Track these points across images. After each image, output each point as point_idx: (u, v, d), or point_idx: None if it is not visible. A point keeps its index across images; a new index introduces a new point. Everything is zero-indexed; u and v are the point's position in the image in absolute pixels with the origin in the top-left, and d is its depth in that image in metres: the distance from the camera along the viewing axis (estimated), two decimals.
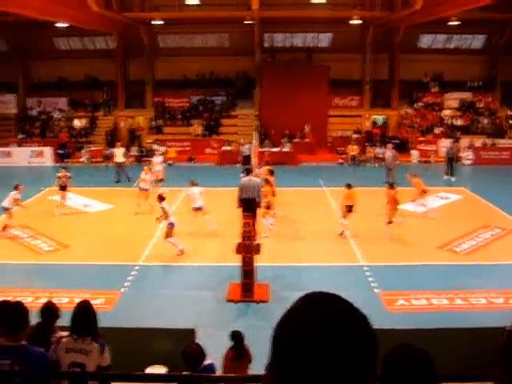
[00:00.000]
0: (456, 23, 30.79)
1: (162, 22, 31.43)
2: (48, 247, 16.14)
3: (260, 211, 16.18)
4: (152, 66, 35.67)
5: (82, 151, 31.97)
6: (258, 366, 6.13)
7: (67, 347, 4.94)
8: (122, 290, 12.89)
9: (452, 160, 26.26)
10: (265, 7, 28.94)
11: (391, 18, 30.35)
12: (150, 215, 17.75)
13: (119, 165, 25.63)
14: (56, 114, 35.22)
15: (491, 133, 32.92)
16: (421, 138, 32.69)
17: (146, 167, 21.16)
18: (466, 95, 35.23)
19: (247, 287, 12.19)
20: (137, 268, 14.28)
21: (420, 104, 35.25)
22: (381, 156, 28.56)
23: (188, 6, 28.84)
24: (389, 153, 24.79)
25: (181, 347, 6.00)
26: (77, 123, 33.30)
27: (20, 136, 33.71)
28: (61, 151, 31.84)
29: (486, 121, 33.79)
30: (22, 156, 31.42)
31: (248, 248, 12.25)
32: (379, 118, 36.01)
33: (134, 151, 31.64)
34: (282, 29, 34.70)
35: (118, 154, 25.83)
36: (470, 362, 7.15)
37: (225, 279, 13.21)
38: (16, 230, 17.26)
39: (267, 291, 12.53)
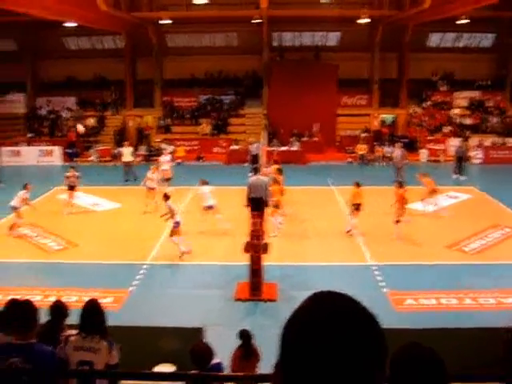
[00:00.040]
0: (465, 22, 30.63)
1: (170, 22, 31.46)
2: (57, 246, 16.21)
3: (268, 210, 16.19)
4: (160, 65, 35.74)
5: (91, 150, 32.08)
6: (267, 365, 6.13)
7: (75, 345, 4.96)
8: (131, 288, 12.93)
9: (461, 159, 26.16)
10: (273, 6, 28.90)
11: (400, 16, 30.25)
12: (155, 214, 17.81)
13: (127, 164, 25.70)
14: (65, 114, 35.36)
15: (501, 132, 32.73)
16: (429, 137, 32.54)
17: (152, 166, 21.22)
18: (475, 94, 35.08)
19: (255, 286, 12.19)
20: (145, 267, 14.31)
21: (429, 103, 35.11)
22: (389, 155, 28.49)
23: (196, 5, 28.81)
24: (397, 152, 24.71)
25: (189, 346, 6.00)
26: (80, 128, 33.16)
27: (29, 135, 33.85)
28: (69, 150, 31.96)
29: (495, 120, 33.61)
30: (31, 155, 31.58)
31: (256, 247, 12.25)
32: (388, 117, 35.91)
33: (143, 150, 31.72)
34: (291, 28, 34.66)
35: (126, 153, 25.90)
36: (479, 361, 7.13)
37: (233, 278, 13.22)
38: (25, 229, 17.34)
39: (275, 290, 12.53)
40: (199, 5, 28.50)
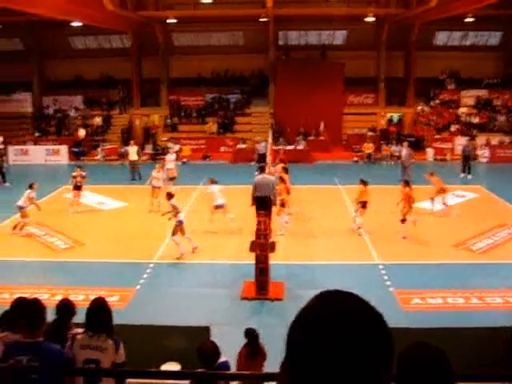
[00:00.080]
0: (472, 20, 30.52)
1: (176, 21, 31.49)
2: (64, 245, 16.24)
3: (275, 209, 16.19)
4: (167, 64, 35.80)
5: (98, 149, 32.16)
6: (273, 364, 6.13)
7: (82, 344, 4.97)
8: (137, 287, 12.95)
9: (468, 158, 26.07)
10: (279, 5, 28.90)
11: (406, 15, 30.17)
12: (157, 213, 17.84)
13: (132, 163, 25.76)
14: (72, 113, 35.47)
15: (508, 130, 32.59)
16: (437, 136, 32.45)
17: (157, 165, 21.23)
18: (483, 92, 34.95)
19: (262, 285, 12.18)
20: (151, 266, 14.33)
21: (436, 101, 35.01)
22: (397, 154, 28.44)
23: (202, 4, 28.86)
24: (405, 151, 24.67)
25: (196, 345, 6.01)
26: (81, 132, 33.14)
27: (36, 134, 34.00)
28: (76, 149, 32.05)
29: (502, 118, 33.46)
30: (38, 154, 31.72)
31: (263, 246, 12.25)
32: (395, 115, 35.85)
33: (149, 149, 31.78)
34: (297, 26, 34.61)
35: (132, 152, 25.94)
36: (485, 361, 7.10)
37: (239, 277, 13.21)
38: (33, 228, 17.40)
39: (282, 289, 12.51)
40: (205, 4, 28.54)
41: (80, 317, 5.58)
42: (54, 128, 34.70)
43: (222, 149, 32.80)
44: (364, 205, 16.59)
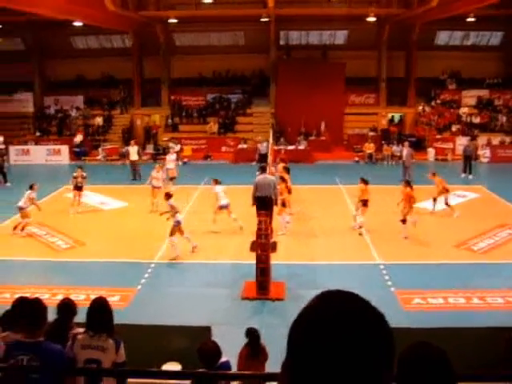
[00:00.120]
0: (473, 20, 30.49)
1: (177, 21, 31.49)
2: (65, 245, 16.25)
3: (276, 209, 16.19)
4: (168, 64, 35.80)
5: (99, 149, 32.17)
6: (274, 364, 6.13)
7: (83, 344, 4.97)
8: (138, 287, 12.95)
9: (469, 158, 26.06)
10: (280, 5, 28.90)
11: (407, 15, 30.15)
12: (156, 213, 17.85)
13: (133, 163, 25.76)
14: (73, 113, 35.48)
15: (509, 130, 32.56)
16: (438, 136, 32.42)
17: (157, 165, 21.22)
18: (484, 92, 34.91)
19: (263, 285, 12.17)
20: (152, 266, 14.32)
21: (437, 101, 34.99)
22: (398, 154, 28.43)
23: (203, 3, 28.87)
24: (406, 151, 24.67)
25: (197, 345, 6.00)
26: (78, 138, 32.90)
27: (37, 134, 34.02)
28: (77, 149, 32.06)
29: (504, 118, 33.44)
30: (39, 154, 31.72)
31: (264, 246, 12.24)
32: (396, 115, 35.84)
33: (150, 149, 31.78)
34: (298, 26, 34.59)
35: (132, 152, 25.95)
36: (486, 361, 7.10)
37: (240, 277, 13.19)
38: (34, 228, 17.40)
39: (283, 289, 12.51)
40: (206, 4, 28.56)
41: (81, 316, 5.58)
42: (55, 128, 34.71)
43: (223, 149, 32.79)
44: (365, 203, 16.60)
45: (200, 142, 33.08)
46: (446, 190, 18.71)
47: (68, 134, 34.03)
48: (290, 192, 17.78)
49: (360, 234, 16.59)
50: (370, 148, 30.49)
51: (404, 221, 16.20)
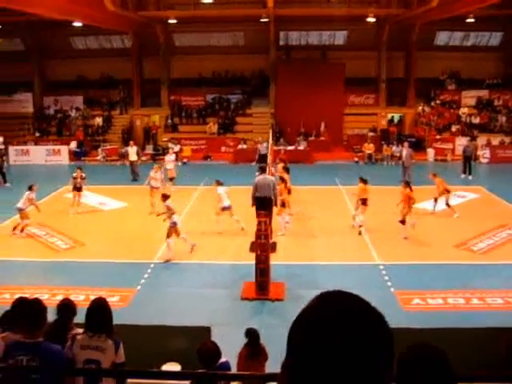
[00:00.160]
0: (473, 20, 30.49)
1: (176, 21, 31.48)
2: (64, 245, 16.24)
3: (275, 209, 16.18)
4: (168, 64, 35.81)
5: (98, 150, 32.17)
6: (274, 364, 6.13)
7: (82, 344, 4.97)
8: (138, 287, 12.94)
9: (469, 158, 26.06)
10: (280, 5, 28.88)
11: (407, 15, 30.15)
12: (154, 214, 17.82)
13: (132, 163, 25.76)
14: (73, 113, 35.49)
15: (508, 131, 32.58)
16: (437, 136, 32.43)
17: (155, 165, 21.20)
18: (484, 93, 34.92)
19: (262, 285, 12.17)
20: (152, 266, 14.32)
21: (437, 102, 34.99)
22: (398, 154, 28.42)
23: (203, 4, 28.87)
24: (405, 151, 24.67)
25: (196, 345, 6.00)
26: (72, 144, 32.70)
27: (37, 134, 34.02)
28: (77, 149, 32.05)
29: (503, 119, 33.45)
30: (38, 154, 31.72)
31: (263, 246, 12.24)
32: (395, 116, 35.85)
33: (150, 149, 31.78)
34: (297, 27, 34.58)
35: (131, 152, 25.95)
36: (486, 361, 7.11)
37: (240, 277, 13.19)
38: (33, 228, 17.39)
39: (283, 289, 12.50)
40: (206, 4, 28.54)
41: (80, 317, 5.58)
42: (54, 128, 34.71)
43: (223, 149, 32.80)
44: (364, 202, 16.61)
45: (200, 142, 33.08)
46: (447, 191, 18.71)
47: (68, 134, 34.04)
48: (289, 192, 17.77)
49: (360, 234, 16.60)
50: (369, 148, 30.49)
51: (403, 221, 16.19)
